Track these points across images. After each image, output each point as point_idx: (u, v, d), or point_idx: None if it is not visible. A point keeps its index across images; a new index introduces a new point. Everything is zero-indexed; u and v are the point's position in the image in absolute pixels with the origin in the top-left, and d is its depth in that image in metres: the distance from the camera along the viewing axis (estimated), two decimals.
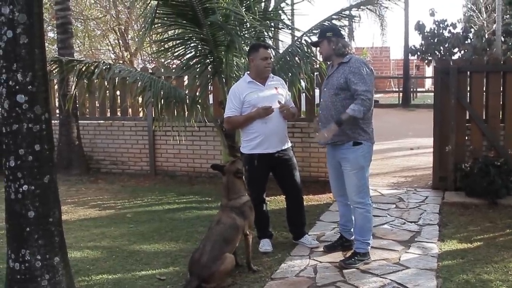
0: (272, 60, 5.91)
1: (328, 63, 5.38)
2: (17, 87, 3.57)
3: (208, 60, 7.17)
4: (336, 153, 5.10)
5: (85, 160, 10.23)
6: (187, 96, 7.58)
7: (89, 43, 20.44)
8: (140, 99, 8.48)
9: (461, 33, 24.05)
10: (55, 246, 3.77)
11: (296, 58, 7.20)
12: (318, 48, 5.44)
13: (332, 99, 4.99)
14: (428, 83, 37.48)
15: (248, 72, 5.57)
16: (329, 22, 7.07)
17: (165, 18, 6.82)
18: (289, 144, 5.62)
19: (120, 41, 19.73)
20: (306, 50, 7.11)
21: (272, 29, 7.57)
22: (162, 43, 7.47)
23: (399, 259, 5.23)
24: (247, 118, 5.35)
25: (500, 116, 7.92)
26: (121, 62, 18.35)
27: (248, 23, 6.85)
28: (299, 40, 7.22)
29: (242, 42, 6.73)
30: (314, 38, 6.97)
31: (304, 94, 8.49)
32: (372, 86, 4.88)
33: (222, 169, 5.10)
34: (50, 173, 3.74)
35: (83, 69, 7.12)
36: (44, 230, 3.69)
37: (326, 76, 5.31)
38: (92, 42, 20.44)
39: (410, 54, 26.49)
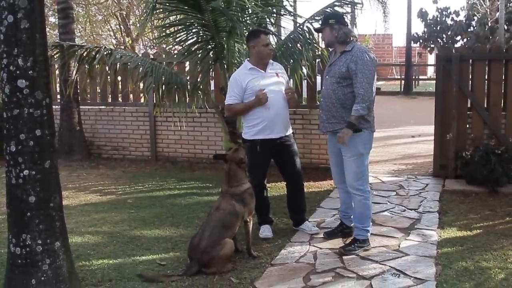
0: (273, 46, 5.89)
1: (331, 49, 5.36)
2: (18, 72, 3.56)
3: (209, 46, 7.16)
4: (336, 140, 5.09)
5: (86, 145, 10.24)
6: (188, 82, 7.57)
7: (90, 28, 20.37)
8: (141, 84, 8.47)
9: (464, 21, 23.99)
10: (56, 231, 3.78)
11: (298, 45, 7.18)
12: (320, 35, 5.41)
13: (333, 87, 4.99)
14: (430, 71, 37.43)
15: (248, 58, 5.54)
16: (331, 9, 7.04)
17: (167, 4, 6.82)
18: (291, 131, 5.62)
19: (122, 26, 19.66)
20: (308, 36, 7.09)
21: (274, 15, 7.53)
22: (164, 29, 7.45)
23: (399, 246, 5.25)
24: (247, 106, 5.34)
25: (502, 105, 7.91)
26: (122, 47, 18.30)
27: (250, 9, 6.83)
28: (301, 26, 7.20)
29: (244, 28, 6.71)
30: (316, 25, 6.99)
31: (305, 81, 8.47)
32: (373, 76, 4.86)
33: (225, 158, 5.09)
34: (51, 159, 3.74)
35: (84, 55, 7.12)
36: (45, 215, 3.70)
37: (328, 63, 5.29)
38: (93, 27, 20.38)
39: (412, 42, 26.43)
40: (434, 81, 8.47)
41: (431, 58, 36.01)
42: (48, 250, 3.72)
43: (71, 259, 3.97)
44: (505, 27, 21.42)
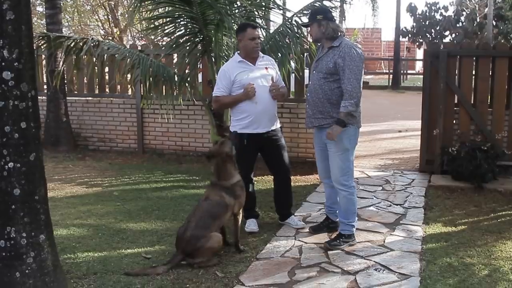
0: (261, 40, 5.88)
1: (319, 44, 5.36)
2: (3, 63, 3.52)
3: (197, 39, 7.14)
4: (322, 135, 5.10)
5: (73, 137, 10.17)
6: (176, 75, 7.54)
7: (78, 18, 20.20)
8: (128, 76, 8.43)
9: (453, 16, 24.02)
10: (41, 223, 3.76)
11: (286, 39, 7.18)
12: (308, 29, 5.41)
13: (320, 82, 4.99)
14: (419, 66, 37.49)
15: (238, 51, 5.53)
16: (320, 3, 7.04)
17: None
18: (279, 125, 5.62)
19: (110, 17, 19.51)
20: (296, 31, 7.10)
21: (263, 8, 7.51)
22: (152, 21, 7.41)
23: (384, 241, 5.28)
24: (235, 99, 5.34)
25: (488, 101, 7.95)
26: (110, 38, 18.18)
27: (238, 2, 6.81)
28: (290, 20, 7.19)
29: (232, 21, 6.69)
30: (305, 19, 6.98)
31: (293, 74, 8.46)
32: (360, 72, 4.86)
33: (213, 154, 5.08)
34: (36, 151, 3.71)
35: (72, 46, 7.06)
36: (30, 208, 3.67)
37: (315, 58, 5.29)
38: (81, 17, 20.20)
39: (401, 36, 26.47)
40: (422, 76, 8.50)
41: (420, 53, 36.09)
42: (32, 243, 3.69)
43: (55, 252, 3.95)
44: (494, 23, 21.49)
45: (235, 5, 6.98)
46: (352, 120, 4.94)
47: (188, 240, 4.57)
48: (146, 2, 6.82)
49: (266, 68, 5.49)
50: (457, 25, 23.82)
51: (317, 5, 7.02)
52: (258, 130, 5.36)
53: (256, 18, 7.32)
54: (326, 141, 5.05)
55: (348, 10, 12.26)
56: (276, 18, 8.10)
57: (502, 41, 22.58)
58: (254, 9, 7.13)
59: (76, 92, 10.60)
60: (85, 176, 8.15)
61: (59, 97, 9.81)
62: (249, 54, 5.38)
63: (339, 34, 4.99)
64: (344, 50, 4.85)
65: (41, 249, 3.75)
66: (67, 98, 10.07)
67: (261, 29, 7.41)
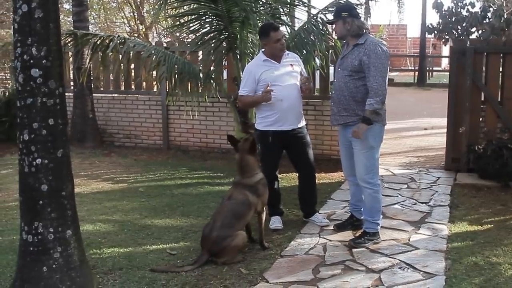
0: (285, 38, 5.87)
1: (344, 41, 5.33)
2: (31, 61, 3.57)
3: (222, 36, 7.15)
4: (347, 133, 5.09)
5: (99, 133, 10.29)
6: (201, 72, 7.57)
7: (104, 15, 20.41)
8: (154, 73, 8.48)
9: (479, 12, 23.68)
10: (68, 219, 3.81)
11: (311, 36, 7.15)
12: (333, 26, 5.39)
13: (345, 79, 4.98)
14: (445, 62, 37.05)
15: (263, 50, 5.53)
16: (345, 0, 7.00)
17: None
18: (304, 122, 5.61)
19: (135, 14, 19.66)
20: (321, 28, 7.07)
21: (288, 5, 7.49)
22: (177, 18, 7.45)
23: (409, 240, 5.24)
24: (254, 101, 5.39)
25: None
26: (136, 35, 18.32)
27: None
28: (315, 17, 7.17)
29: (257, 18, 6.69)
30: (330, 16, 6.95)
31: (318, 71, 8.44)
32: (385, 70, 4.84)
33: (236, 146, 5.08)
34: (64, 147, 3.76)
35: (98, 43, 7.13)
36: (57, 204, 3.73)
37: (340, 56, 5.27)
38: (107, 14, 20.41)
39: (427, 33, 26.18)
40: (448, 73, 8.41)
41: (446, 50, 35.68)
42: (59, 238, 3.75)
43: (82, 247, 4.00)
44: None
45: (260, 2, 6.97)
46: (378, 118, 4.91)
47: (214, 240, 4.59)
48: (171, 0, 6.84)
49: (292, 65, 5.49)
50: (484, 21, 23.47)
51: (342, 2, 6.98)
52: (284, 128, 5.36)
53: (281, 15, 7.30)
54: (351, 139, 5.03)
55: (373, 6, 12.18)
56: (301, 15, 8.07)
57: None
58: (279, 6, 7.12)
59: (102, 88, 10.69)
60: (110, 172, 8.24)
61: (85, 94, 9.92)
62: (275, 55, 5.38)
63: (364, 31, 4.96)
64: (369, 48, 4.82)
65: (67, 244, 3.80)
66: (93, 94, 10.17)
67: (286, 26, 7.40)
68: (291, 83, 5.36)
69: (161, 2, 6.72)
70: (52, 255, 3.72)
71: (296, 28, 7.55)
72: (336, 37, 6.18)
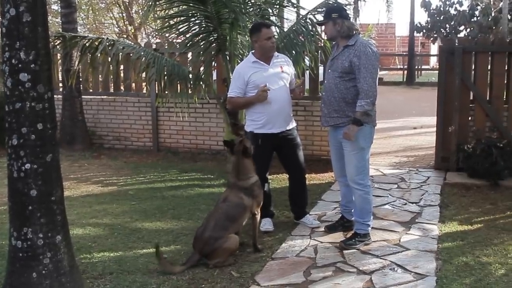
0: (275, 38, 5.86)
1: (333, 42, 5.33)
2: (20, 65, 3.54)
3: (212, 37, 7.13)
4: (337, 134, 5.09)
5: (88, 135, 10.23)
6: (191, 73, 7.55)
7: (93, 16, 20.31)
8: (143, 75, 8.44)
9: (467, 11, 23.82)
10: (57, 224, 3.78)
11: (301, 37, 7.15)
12: (323, 27, 5.39)
13: (335, 81, 4.97)
14: (433, 61, 37.30)
15: (253, 51, 5.52)
16: (334, 1, 7.01)
17: None
18: (294, 124, 5.61)
19: (124, 15, 19.59)
20: (311, 28, 7.07)
21: (277, 6, 7.48)
22: (166, 19, 7.42)
23: (399, 240, 5.25)
24: (247, 101, 5.35)
25: (504, 97, 7.88)
26: (125, 36, 18.26)
27: (252, 0, 6.80)
28: (304, 18, 7.16)
29: (247, 19, 6.67)
30: (319, 17, 6.95)
31: (307, 72, 8.43)
32: (376, 71, 4.86)
33: (232, 148, 5.06)
34: (53, 152, 3.73)
35: (87, 45, 7.09)
36: (46, 209, 3.69)
37: (330, 57, 5.26)
38: (96, 15, 20.31)
39: (415, 32, 26.30)
40: (437, 72, 8.45)
41: (434, 48, 35.88)
42: (49, 243, 3.72)
43: (72, 252, 3.97)
44: (509, 17, 21.28)
45: (249, 4, 6.95)
46: (368, 119, 4.92)
47: (206, 241, 4.58)
48: (160, 1, 6.81)
49: (281, 67, 5.48)
50: (472, 19, 23.61)
51: (332, 2, 6.98)
52: (273, 130, 5.35)
53: (270, 16, 7.29)
54: (341, 140, 5.03)
55: (362, 6, 12.19)
56: (290, 15, 8.06)
57: None
58: (268, 8, 7.11)
59: (91, 90, 10.63)
60: (100, 175, 8.19)
61: (74, 96, 9.86)
62: (265, 54, 5.37)
63: (354, 32, 4.97)
64: (360, 49, 4.83)
65: (57, 249, 3.77)
66: (82, 96, 10.12)
67: (276, 27, 7.40)
68: (281, 85, 5.35)
69: (150, 3, 6.68)
70: (41, 260, 3.69)
71: (285, 29, 7.53)
72: (326, 38, 6.16)
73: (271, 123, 5.33)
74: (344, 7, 5.74)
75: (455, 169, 7.84)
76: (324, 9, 6.81)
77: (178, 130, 9.72)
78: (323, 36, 7.17)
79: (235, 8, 6.48)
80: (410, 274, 4.47)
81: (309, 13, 7.12)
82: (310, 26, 7.07)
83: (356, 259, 4.81)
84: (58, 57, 9.83)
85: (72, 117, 9.94)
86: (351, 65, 4.85)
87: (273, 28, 5.90)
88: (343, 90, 4.92)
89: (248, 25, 6.46)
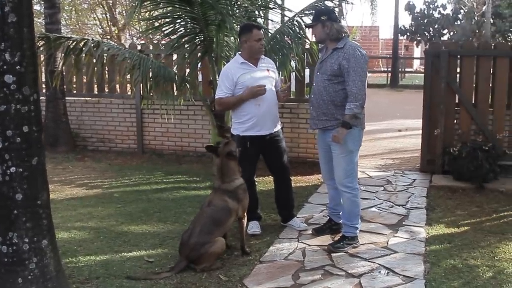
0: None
1: (322, 45, 5.31)
2: (5, 67, 3.47)
3: (198, 39, 7.07)
4: (326, 137, 5.08)
5: (72, 137, 10.11)
6: (176, 75, 7.49)
7: (76, 17, 20.11)
8: (128, 76, 8.37)
9: (451, 14, 24.05)
10: (43, 228, 3.71)
11: (288, 39, 7.13)
12: (311, 30, 5.37)
13: (324, 84, 4.95)
14: (416, 64, 37.55)
15: (240, 52, 5.49)
16: (321, 3, 6.99)
17: None
18: (280, 126, 5.59)
19: (108, 15, 19.44)
20: (298, 31, 7.05)
21: (263, 8, 7.44)
22: (152, 21, 7.35)
23: (387, 243, 5.25)
24: (239, 99, 5.28)
25: (489, 101, 7.92)
26: (108, 37, 18.12)
27: (239, 2, 6.76)
28: (291, 20, 7.14)
29: (234, 21, 6.63)
30: (306, 19, 6.94)
31: (294, 74, 8.42)
32: (365, 74, 4.86)
33: (216, 152, 5.02)
34: (39, 155, 3.67)
35: (71, 46, 7.00)
36: (32, 213, 3.63)
37: (319, 60, 5.23)
38: (79, 16, 20.11)
39: (399, 34, 26.47)
40: (420, 74, 8.50)
41: (418, 51, 36.16)
42: (35, 248, 3.65)
43: (58, 257, 3.91)
44: (491, 21, 21.50)
45: (236, 5, 6.91)
46: (357, 122, 4.91)
47: (193, 247, 4.53)
48: (146, 3, 6.75)
49: (268, 70, 5.47)
50: (456, 23, 23.84)
51: (318, 5, 6.96)
52: (261, 132, 5.33)
53: (257, 18, 7.24)
54: (330, 143, 5.02)
55: (345, 8, 12.19)
56: (276, 17, 8.03)
57: (500, 39, 22.63)
58: (255, 10, 7.07)
59: (75, 92, 10.51)
60: (84, 177, 8.09)
61: (58, 97, 9.74)
62: (253, 55, 5.34)
63: (343, 35, 4.96)
64: (349, 52, 4.82)
65: (43, 254, 3.71)
66: (66, 98, 10.00)
67: (262, 29, 7.36)
68: (269, 88, 5.32)
69: (135, 4, 6.61)
70: (27, 266, 3.62)
71: (272, 32, 7.50)
72: (314, 41, 6.14)
73: (259, 125, 5.30)
74: (333, 10, 5.73)
75: (440, 171, 7.86)
76: (311, 11, 6.83)
77: (163, 132, 9.65)
78: (312, 38, 7.16)
79: (222, 10, 6.43)
80: (398, 277, 4.47)
81: (296, 16, 7.10)
82: (297, 29, 7.05)
83: (344, 262, 4.80)
84: (42, 58, 9.70)
85: (56, 119, 9.82)
86: (340, 68, 4.83)
87: (263, 30, 5.87)
88: (332, 93, 4.91)
89: (235, 27, 6.43)
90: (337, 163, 5.04)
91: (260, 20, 7.40)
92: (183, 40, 7.19)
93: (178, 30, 7.15)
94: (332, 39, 4.95)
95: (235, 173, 4.95)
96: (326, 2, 7.04)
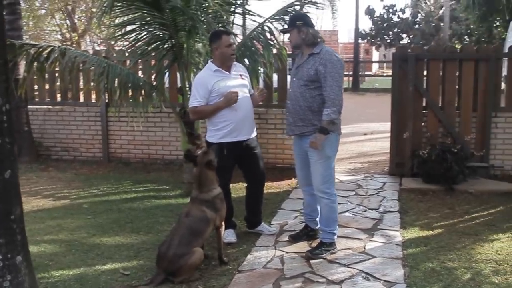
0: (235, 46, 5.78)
1: (297, 51, 5.27)
2: None
3: (167, 45, 6.96)
4: (303, 143, 5.03)
5: (35, 146, 9.84)
6: (145, 82, 7.35)
7: (34, 23, 19.66)
8: (93, 84, 8.17)
9: (410, 18, 24.42)
10: (17, 244, 3.57)
11: (258, 44, 7.08)
12: (284, 35, 5.33)
13: (301, 89, 4.92)
14: (375, 67, 38.02)
15: (212, 60, 5.41)
16: (291, 8, 6.96)
17: (124, 1, 6.56)
18: (255, 133, 5.53)
19: (67, 21, 19.08)
20: (269, 36, 7.00)
21: (233, 14, 7.36)
22: (118, 28, 7.18)
23: (364, 248, 5.24)
24: (216, 107, 5.19)
25: (456, 103, 8.02)
26: (68, 43, 17.78)
27: (208, 7, 6.68)
28: (261, 26, 7.08)
29: (204, 26, 6.53)
30: (277, 24, 6.90)
31: (262, 79, 8.36)
32: (341, 79, 4.86)
33: (195, 160, 4.92)
34: (12, 168, 3.52)
35: (37, 54, 6.81)
36: (5, 229, 3.49)
37: (295, 65, 5.18)
38: (37, 22, 19.66)
39: (360, 38, 26.75)
40: (379, 78, 8.56)
41: (376, 55, 36.64)
42: (9, 265, 3.51)
43: (33, 273, 3.77)
44: (449, 24, 21.90)
45: (206, 11, 6.80)
46: (334, 127, 4.89)
47: (171, 259, 4.41)
48: (115, 8, 6.58)
49: (241, 75, 5.41)
50: (415, 27, 24.21)
51: (289, 10, 6.93)
52: (239, 138, 5.26)
53: (226, 25, 7.15)
54: (307, 149, 4.98)
55: (319, 16, 12.20)
56: (247, 23, 7.93)
57: (456, 42, 23.09)
58: (224, 15, 6.99)
59: (37, 100, 10.23)
60: (50, 188, 7.87)
61: (20, 106, 9.45)
62: (225, 62, 5.27)
63: (319, 40, 4.93)
64: (325, 57, 4.79)
65: (18, 271, 3.57)
66: (28, 106, 9.74)
67: (232, 35, 7.29)
68: (245, 93, 5.27)
69: (104, 10, 6.45)
70: (1, 283, 3.47)
71: (242, 37, 7.43)
72: (291, 46, 6.09)
73: (237, 131, 5.23)
74: (308, 15, 5.69)
75: (410, 174, 7.92)
76: (281, 16, 6.79)
77: (129, 140, 9.47)
78: (282, 43, 7.14)
79: (193, 15, 6.33)
80: (379, 282, 4.46)
81: (267, 21, 7.05)
82: (268, 34, 6.99)
83: (324, 268, 4.76)
84: None
85: (18, 128, 9.48)
86: (316, 73, 4.80)
87: (233, 36, 5.81)
88: (309, 99, 4.87)
89: (206, 33, 6.35)
90: (315, 169, 5.00)
91: (230, 26, 7.30)
92: (151, 47, 7.05)
93: (145, 36, 7.01)
94: (308, 44, 4.92)
95: (213, 182, 4.86)
96: (297, 8, 7.00)
